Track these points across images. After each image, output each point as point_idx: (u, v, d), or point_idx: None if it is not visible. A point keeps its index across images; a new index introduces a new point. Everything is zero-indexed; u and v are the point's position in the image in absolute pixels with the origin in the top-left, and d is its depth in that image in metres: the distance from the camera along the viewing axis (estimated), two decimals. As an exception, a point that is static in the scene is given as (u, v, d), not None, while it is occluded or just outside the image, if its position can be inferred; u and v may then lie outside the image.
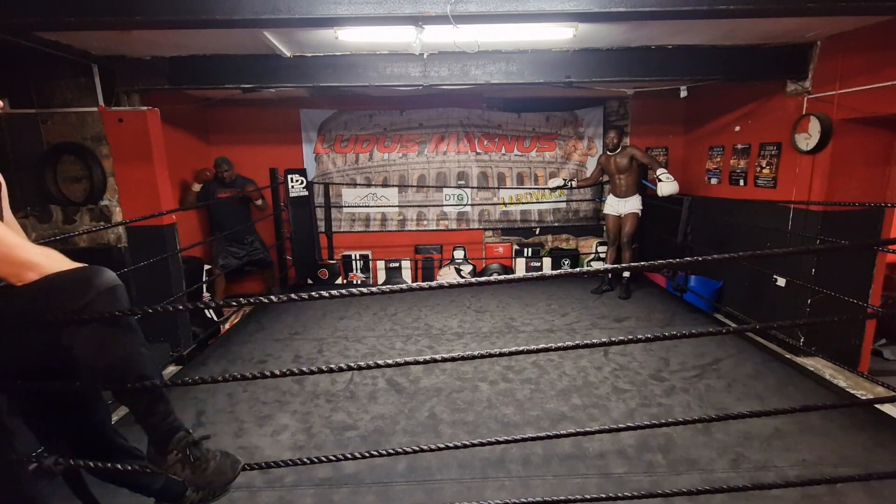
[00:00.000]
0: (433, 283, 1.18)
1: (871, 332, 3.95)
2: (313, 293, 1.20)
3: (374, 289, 1.19)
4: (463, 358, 1.28)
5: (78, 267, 1.24)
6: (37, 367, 1.34)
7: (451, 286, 1.13)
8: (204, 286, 4.78)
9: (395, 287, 1.20)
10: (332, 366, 1.31)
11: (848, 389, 3.05)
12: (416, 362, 1.28)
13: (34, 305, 1.17)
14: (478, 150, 5.83)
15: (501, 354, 1.26)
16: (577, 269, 1.19)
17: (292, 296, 1.25)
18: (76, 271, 1.22)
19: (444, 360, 1.26)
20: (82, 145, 3.58)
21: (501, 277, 1.18)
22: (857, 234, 3.63)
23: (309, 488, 2.08)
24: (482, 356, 1.25)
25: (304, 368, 1.32)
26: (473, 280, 1.19)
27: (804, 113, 3.75)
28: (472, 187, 5.91)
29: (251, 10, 2.37)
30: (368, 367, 1.29)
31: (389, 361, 1.31)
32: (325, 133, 5.73)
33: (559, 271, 1.24)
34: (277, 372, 1.33)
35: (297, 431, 2.52)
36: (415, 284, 1.21)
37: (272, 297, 1.22)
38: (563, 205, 6.00)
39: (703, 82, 4.18)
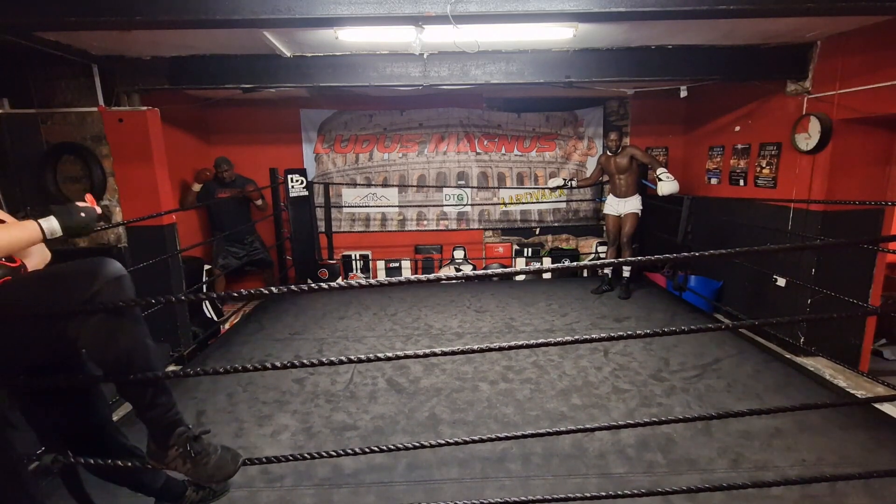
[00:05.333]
0: (432, 276, 1.19)
1: (871, 332, 3.94)
2: (314, 285, 1.21)
3: (373, 281, 1.20)
4: (463, 352, 1.29)
5: (86, 259, 1.25)
6: (41, 361, 1.34)
7: (450, 279, 1.14)
8: (204, 286, 4.78)
9: (395, 279, 1.21)
10: (333, 358, 1.31)
11: (848, 389, 3.05)
12: (416, 356, 1.28)
13: (42, 296, 1.18)
14: (478, 150, 5.83)
15: (501, 349, 1.26)
16: (576, 264, 1.20)
17: (293, 287, 1.26)
18: (83, 262, 1.23)
19: (444, 353, 1.27)
20: (82, 145, 3.58)
21: (499, 270, 1.18)
22: (858, 233, 3.63)
23: (309, 488, 2.08)
24: (482, 350, 1.26)
25: (306, 360, 1.33)
26: (472, 273, 1.20)
27: (804, 113, 3.75)
28: (472, 187, 5.91)
29: (251, 10, 2.37)
30: (369, 360, 1.30)
31: (390, 354, 1.32)
32: (325, 133, 5.73)
33: (558, 265, 1.25)
34: (279, 364, 1.34)
35: (297, 431, 2.52)
36: (413, 277, 1.22)
37: (273, 288, 1.23)
38: (563, 205, 6.00)
39: (703, 82, 4.17)
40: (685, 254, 1.22)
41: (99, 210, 1.42)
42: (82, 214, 1.36)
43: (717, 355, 3.29)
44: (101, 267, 1.21)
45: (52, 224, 1.30)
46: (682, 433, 2.39)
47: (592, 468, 2.18)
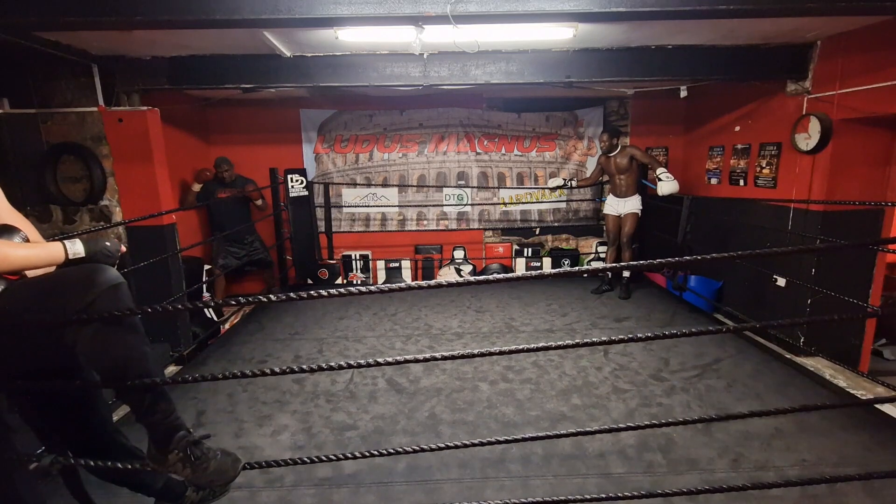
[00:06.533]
0: (432, 282, 1.18)
1: (871, 332, 3.94)
2: (312, 292, 1.20)
3: (373, 288, 1.18)
4: (463, 356, 1.28)
5: (81, 265, 1.24)
6: (39, 366, 1.34)
7: (451, 285, 1.13)
8: (204, 286, 4.78)
9: (395, 286, 1.20)
10: (333, 364, 1.31)
11: (848, 389, 3.05)
12: (416, 360, 1.28)
13: (38, 304, 1.17)
14: (478, 150, 5.83)
15: (501, 353, 1.26)
16: (577, 269, 1.19)
17: (291, 295, 1.24)
18: (79, 269, 1.23)
19: (444, 358, 1.26)
20: (82, 145, 3.58)
21: (501, 276, 1.18)
22: (857, 233, 3.63)
23: (309, 488, 2.08)
24: (482, 354, 1.25)
25: (305, 366, 1.32)
26: (473, 279, 1.19)
27: (804, 113, 3.74)
28: (472, 187, 5.91)
29: (251, 10, 2.37)
30: (368, 365, 1.29)
31: (389, 359, 1.31)
32: (325, 133, 5.73)
33: (559, 270, 1.24)
34: (277, 370, 1.33)
35: (297, 431, 2.52)
36: (414, 283, 1.21)
37: (271, 296, 1.22)
38: (563, 205, 6.00)
39: (703, 82, 4.17)
40: (688, 258, 1.21)
41: (124, 249, 1.42)
42: (107, 244, 1.37)
43: (717, 355, 3.29)
44: (97, 275, 1.19)
45: (76, 247, 1.30)
46: (682, 433, 2.39)
47: (592, 468, 2.18)
